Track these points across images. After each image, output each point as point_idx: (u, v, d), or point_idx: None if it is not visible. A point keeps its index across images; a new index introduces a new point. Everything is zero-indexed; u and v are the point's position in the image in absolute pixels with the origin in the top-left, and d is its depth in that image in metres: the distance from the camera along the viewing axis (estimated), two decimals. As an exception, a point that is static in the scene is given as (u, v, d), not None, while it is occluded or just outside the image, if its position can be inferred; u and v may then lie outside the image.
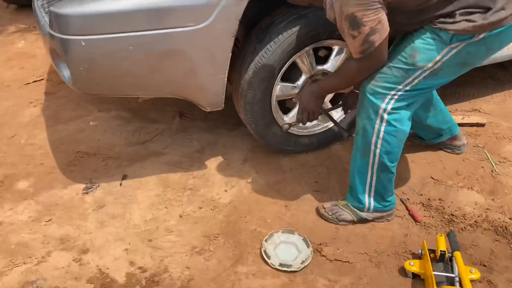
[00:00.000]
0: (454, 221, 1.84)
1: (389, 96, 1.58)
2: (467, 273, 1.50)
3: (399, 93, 1.57)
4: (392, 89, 1.56)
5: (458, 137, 2.21)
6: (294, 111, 2.13)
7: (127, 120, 2.60)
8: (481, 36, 1.43)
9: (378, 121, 1.62)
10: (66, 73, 1.73)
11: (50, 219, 1.91)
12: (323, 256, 1.71)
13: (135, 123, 2.57)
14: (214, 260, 1.70)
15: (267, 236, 1.77)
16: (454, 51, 1.47)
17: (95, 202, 2.00)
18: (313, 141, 2.25)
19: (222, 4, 1.62)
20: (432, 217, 1.88)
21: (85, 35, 1.57)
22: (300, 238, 1.77)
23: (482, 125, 2.41)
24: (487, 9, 1.40)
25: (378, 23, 1.42)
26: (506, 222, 1.83)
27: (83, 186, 2.09)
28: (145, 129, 2.52)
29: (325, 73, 2.07)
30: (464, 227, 1.81)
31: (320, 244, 1.76)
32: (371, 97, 1.60)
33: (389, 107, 1.59)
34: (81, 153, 2.33)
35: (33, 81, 3.05)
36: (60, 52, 1.65)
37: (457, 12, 1.41)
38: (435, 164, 2.17)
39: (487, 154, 2.21)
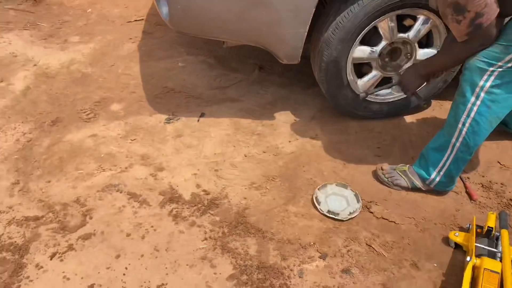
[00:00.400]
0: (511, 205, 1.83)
1: (488, 73, 1.55)
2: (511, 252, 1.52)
3: (499, 70, 1.53)
4: (492, 65, 1.53)
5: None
6: (369, 76, 2.18)
7: (211, 66, 2.81)
8: None
9: (473, 99, 1.59)
10: (164, 10, 1.94)
11: (135, 139, 2.18)
12: (371, 213, 1.80)
13: (218, 70, 2.77)
14: (269, 196, 1.87)
15: (320, 185, 1.89)
16: None
17: (175, 131, 2.24)
18: (384, 109, 2.29)
19: (315, -41, 1.71)
20: (490, 198, 1.87)
21: (187, -24, 1.75)
22: (352, 193, 1.87)
23: None
24: None
25: (485, 6, 1.42)
26: None
27: (166, 116, 2.34)
28: (226, 76, 2.71)
29: (405, 41, 2.08)
30: (521, 213, 1.80)
31: (371, 202, 1.85)
32: (469, 73, 1.58)
33: (488, 84, 1.56)
34: (168, 89, 2.58)
35: (135, 20, 3.36)
36: (163, -10, 1.85)
37: None
38: (506, 151, 2.12)
39: None
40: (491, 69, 1.53)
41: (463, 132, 1.65)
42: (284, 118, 2.36)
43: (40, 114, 2.35)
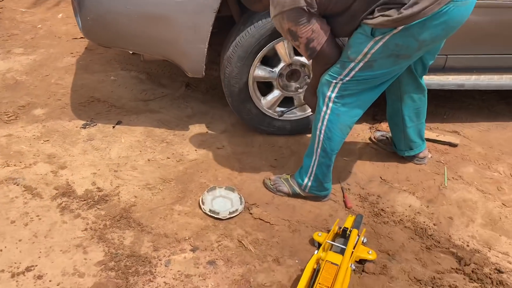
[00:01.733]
0: (381, 215, 1.99)
1: (333, 84, 1.76)
2: (360, 250, 1.67)
3: (341, 82, 1.74)
4: (334, 78, 1.75)
5: (423, 150, 2.33)
6: (271, 94, 2.37)
7: (142, 81, 2.98)
8: (400, 28, 1.56)
9: (324, 108, 1.81)
10: (78, 21, 2.12)
11: (48, 140, 2.31)
12: (250, 214, 1.94)
13: (147, 85, 2.95)
14: (159, 196, 2.00)
15: (209, 188, 2.03)
16: (380, 43, 1.62)
17: (87, 136, 2.38)
18: (287, 126, 2.47)
19: (207, -17, 1.92)
20: (363, 207, 2.03)
21: (93, -9, 1.94)
22: (237, 196, 2.01)
23: (455, 145, 2.49)
24: (402, 4, 1.53)
25: (312, 33, 1.64)
26: (428, 226, 1.94)
27: (83, 122, 2.48)
28: (153, 90, 2.89)
29: (303, 64, 2.30)
30: (387, 221, 1.96)
31: (253, 204, 1.99)
32: (320, 85, 1.81)
33: (333, 95, 1.77)
34: (93, 98, 2.73)
35: (80, 37, 3.54)
36: (75, 2, 2.04)
37: (376, 8, 1.57)
38: (390, 168, 2.31)
39: (445, 169, 2.30)
40: (334, 81, 1.75)
41: (321, 139, 1.84)
42: (197, 130, 2.52)
43: (-38, 114, 2.46)
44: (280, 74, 2.31)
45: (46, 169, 2.09)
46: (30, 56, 3.22)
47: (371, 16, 1.59)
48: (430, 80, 2.35)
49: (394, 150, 2.36)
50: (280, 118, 2.38)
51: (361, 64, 1.69)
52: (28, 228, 1.75)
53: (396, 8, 1.53)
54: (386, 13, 1.54)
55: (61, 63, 3.15)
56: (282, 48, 2.21)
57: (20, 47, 3.36)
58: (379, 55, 1.65)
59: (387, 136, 2.43)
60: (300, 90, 2.37)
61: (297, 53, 2.26)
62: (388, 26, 1.57)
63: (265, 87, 2.44)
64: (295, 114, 2.45)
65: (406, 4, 1.52)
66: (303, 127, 2.49)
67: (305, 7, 1.58)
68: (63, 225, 1.78)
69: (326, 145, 1.85)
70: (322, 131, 1.82)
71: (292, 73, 2.34)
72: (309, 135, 2.49)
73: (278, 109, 2.38)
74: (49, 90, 2.78)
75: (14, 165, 2.10)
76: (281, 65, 2.28)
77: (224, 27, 2.36)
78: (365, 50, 1.65)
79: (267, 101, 2.39)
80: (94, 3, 1.96)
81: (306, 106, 2.38)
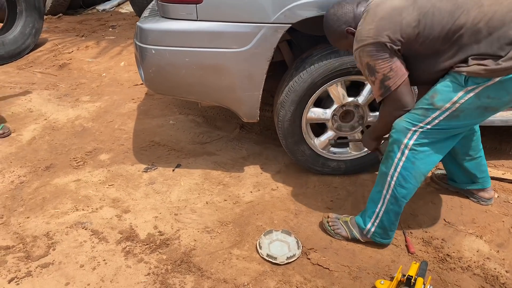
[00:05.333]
0: (447, 260, 1.90)
1: (411, 132, 1.70)
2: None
3: (421, 130, 1.68)
4: (414, 125, 1.69)
5: (487, 189, 2.22)
6: (325, 135, 2.38)
7: (198, 124, 3.10)
8: (497, 79, 1.51)
9: (399, 155, 1.74)
10: (141, 74, 2.26)
11: (112, 184, 2.44)
12: (309, 259, 1.92)
13: (203, 128, 3.06)
14: (218, 240, 2.03)
15: (266, 231, 2.04)
16: (472, 94, 1.57)
17: (149, 179, 2.48)
18: (341, 166, 2.46)
19: (261, 33, 2.00)
20: (427, 252, 1.95)
21: (155, 45, 2.08)
22: (294, 240, 2.00)
23: (524, 183, 2.35)
24: (498, 57, 1.49)
25: (390, 70, 1.62)
26: (500, 273, 1.82)
27: (145, 166, 2.60)
28: (209, 133, 2.99)
29: (357, 105, 2.29)
30: (454, 268, 1.86)
31: (311, 249, 1.97)
32: (396, 132, 1.75)
33: (411, 142, 1.71)
34: (154, 142, 2.87)
35: (141, 84, 3.77)
36: (138, 56, 2.19)
37: (470, 57, 1.53)
38: (453, 209, 2.21)
39: (515, 210, 2.17)
40: (413, 129, 1.69)
41: (392, 185, 1.79)
42: (252, 171, 2.57)
43: (38, 160, 2.67)
44: (333, 115, 2.32)
45: (111, 213, 2.20)
46: (96, 103, 3.46)
47: (464, 64, 1.55)
48: (493, 116, 2.26)
49: (456, 186, 2.26)
50: (333, 153, 2.38)
51: (447, 113, 1.63)
52: (95, 272, 1.84)
53: (493, 59, 1.49)
54: (482, 62, 1.51)
55: (123, 109, 3.35)
56: (335, 90, 2.23)
57: (87, 95, 3.63)
58: (468, 105, 1.60)
59: (445, 173, 2.34)
60: (354, 130, 2.36)
61: (350, 95, 2.26)
62: (485, 76, 1.52)
63: (319, 128, 2.46)
64: (351, 153, 2.43)
65: (503, 56, 1.48)
66: (359, 167, 2.46)
67: (387, 43, 1.59)
68: (128, 270, 1.85)
69: (398, 192, 1.79)
70: (394, 178, 1.77)
71: (346, 114, 2.34)
72: (365, 175, 2.48)
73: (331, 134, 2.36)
74: (113, 136, 2.96)
75: (82, 210, 2.23)
76: (334, 106, 2.29)
77: (276, 70, 2.43)
78: (455, 99, 1.60)
79: (321, 142, 2.39)
80: (156, 56, 2.09)
81: (361, 145, 2.37)
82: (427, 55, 1.63)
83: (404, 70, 1.65)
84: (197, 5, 1.97)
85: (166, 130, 3.03)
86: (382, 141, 2.02)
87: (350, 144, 2.40)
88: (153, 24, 2.07)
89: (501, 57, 1.49)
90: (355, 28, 1.71)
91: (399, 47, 1.61)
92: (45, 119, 3.21)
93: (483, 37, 1.51)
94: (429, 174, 2.43)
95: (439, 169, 2.47)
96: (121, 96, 3.57)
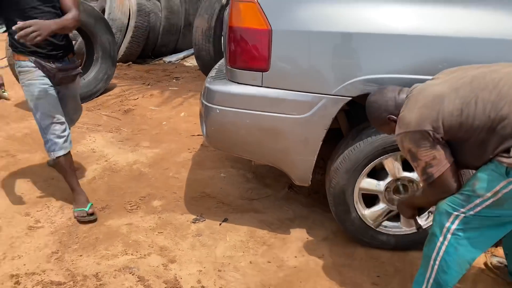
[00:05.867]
0: None
1: (453, 216, 1.66)
2: None
3: (463, 215, 1.64)
4: (456, 210, 1.65)
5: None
6: (376, 207, 2.35)
7: (248, 180, 3.17)
8: None
9: (441, 239, 1.70)
10: (203, 129, 2.39)
11: (162, 232, 2.51)
12: (350, 337, 1.85)
13: (252, 184, 3.12)
14: (259, 303, 2.02)
15: (308, 301, 2.00)
16: None
17: (196, 231, 2.54)
18: (391, 241, 2.40)
19: (321, 103, 2.08)
20: None
21: (220, 105, 2.20)
22: (337, 314, 1.94)
23: None
24: None
25: (433, 158, 1.62)
26: None
27: (194, 216, 2.67)
28: (258, 190, 3.04)
29: (411, 180, 2.27)
30: None
31: (353, 326, 1.90)
32: (438, 214, 1.72)
33: (453, 227, 1.66)
34: (204, 193, 2.96)
35: (197, 135, 3.94)
36: (203, 113, 2.33)
37: None
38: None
39: None
40: (455, 213, 1.64)
41: (434, 269, 1.72)
42: (297, 235, 2.56)
43: (95, 200, 2.81)
44: (387, 188, 2.30)
45: (158, 261, 2.25)
46: (154, 149, 3.63)
47: (506, 155, 1.52)
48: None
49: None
50: (384, 226, 2.33)
51: (489, 201, 1.58)
52: (138, 320, 1.87)
53: None
54: None
55: (179, 157, 3.49)
56: (390, 163, 2.23)
57: (147, 140, 3.83)
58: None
59: (505, 264, 2.21)
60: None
61: (405, 169, 2.25)
62: None
63: (371, 198, 2.44)
64: (401, 228, 2.37)
65: None
66: (409, 244, 2.39)
67: (430, 132, 1.60)
68: (168, 322, 1.87)
69: (440, 278, 1.72)
70: (437, 262, 1.71)
71: (400, 187, 2.32)
72: (416, 252, 2.39)
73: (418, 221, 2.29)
74: (167, 183, 3.08)
75: (132, 254, 2.30)
76: (389, 179, 2.28)
77: (330, 137, 2.47)
78: (497, 188, 1.55)
79: (372, 213, 2.36)
80: (220, 116, 2.21)
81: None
82: (470, 143, 1.60)
83: (448, 157, 1.63)
84: (263, 73, 2.09)
85: (216, 183, 3.12)
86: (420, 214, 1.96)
87: (402, 219, 2.35)
88: (220, 86, 2.21)
89: None
90: (397, 116, 1.73)
91: (442, 135, 1.60)
92: (106, 161, 3.40)
93: None
94: (485, 260, 2.32)
95: (494, 255, 2.34)
96: (178, 145, 3.73)
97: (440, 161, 1.62)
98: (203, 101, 2.31)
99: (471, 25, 1.94)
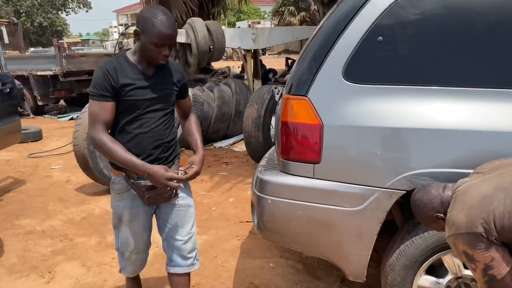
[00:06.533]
0: None
1: None
2: None
3: None
4: None
5: None
6: (437, 306, 2.19)
7: (298, 271, 3.08)
8: None
9: None
10: (254, 220, 2.41)
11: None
12: None
13: (302, 276, 3.02)
14: None
15: None
16: None
17: (245, 326, 2.45)
18: None
19: (374, 196, 2.06)
20: None
21: (272, 196, 2.24)
22: None
23: None
24: None
25: (492, 260, 1.55)
26: None
27: (242, 310, 2.60)
28: (308, 283, 2.93)
29: (474, 279, 2.12)
30: None
31: None
32: None
33: None
34: (253, 285, 2.89)
35: (246, 221, 3.95)
36: (255, 203, 2.36)
37: None
38: None
39: None
40: None
41: None
42: (352, 335, 2.40)
43: None
44: (448, 287, 2.15)
45: None
46: (203, 236, 3.66)
47: None
48: None
49: None
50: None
51: None
52: None
53: None
54: None
55: (228, 245, 3.49)
56: (450, 259, 2.11)
57: (197, 226, 3.87)
58: None
59: None
60: (472, 308, 2.14)
61: (467, 267, 2.12)
62: None
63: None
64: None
65: None
66: None
67: (483, 233, 1.55)
68: None
69: None
70: None
71: (461, 286, 2.17)
72: None
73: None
74: (216, 272, 3.05)
75: None
76: (449, 277, 2.14)
77: (384, 229, 2.40)
78: None
79: (432, 313, 2.19)
80: (272, 206, 2.23)
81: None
82: None
83: (508, 258, 1.56)
84: (315, 165, 2.13)
85: (265, 274, 3.05)
86: None
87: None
88: (272, 177, 2.27)
89: None
90: (444, 214, 1.69)
91: (496, 236, 1.54)
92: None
93: None
94: None
95: None
96: (226, 231, 3.75)
97: (499, 263, 1.55)
98: (255, 190, 2.35)
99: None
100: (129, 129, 2.05)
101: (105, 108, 1.97)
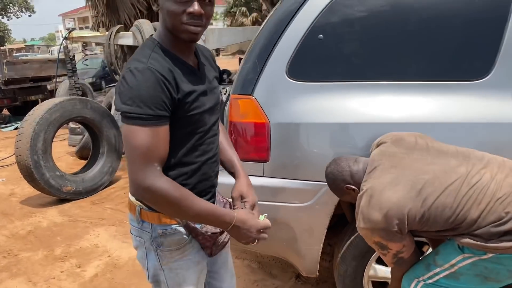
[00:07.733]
0: None
1: (415, 282, 1.71)
2: None
3: (423, 282, 1.69)
4: (417, 276, 1.71)
5: None
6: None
7: (253, 270, 3.08)
8: (491, 255, 1.51)
9: None
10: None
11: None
12: None
13: (258, 275, 3.02)
14: None
15: None
16: (469, 261, 1.57)
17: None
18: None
19: (323, 191, 2.09)
20: None
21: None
22: None
23: None
24: (489, 240, 1.50)
25: (403, 247, 1.67)
26: None
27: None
28: (264, 281, 2.94)
29: (420, 265, 2.21)
30: None
31: None
32: (404, 279, 1.77)
33: None
34: (209, 288, 2.85)
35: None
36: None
37: (465, 232, 1.55)
38: None
39: None
40: (416, 279, 1.70)
41: None
42: (308, 329, 2.43)
43: (97, 299, 2.72)
44: (397, 275, 2.23)
45: None
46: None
47: (460, 237, 1.58)
48: None
49: None
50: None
51: (446, 272, 1.64)
52: None
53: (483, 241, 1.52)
54: (475, 238, 1.53)
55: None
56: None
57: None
58: (467, 271, 1.60)
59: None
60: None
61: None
62: (476, 248, 1.54)
63: (382, 286, 2.35)
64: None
65: (493, 239, 1.49)
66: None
67: (397, 231, 1.61)
68: None
69: None
70: None
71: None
72: None
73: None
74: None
75: None
76: (397, 265, 2.22)
77: (335, 222, 2.45)
78: (453, 261, 1.62)
79: (384, 302, 2.26)
80: (222, 207, 2.21)
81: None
82: (430, 235, 1.68)
83: (413, 240, 1.70)
84: (264, 163, 2.14)
85: (222, 275, 3.02)
86: None
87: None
88: (222, 178, 2.25)
89: (491, 240, 1.50)
90: (354, 185, 1.77)
91: (407, 230, 1.63)
92: (109, 256, 3.34)
93: (479, 228, 1.53)
94: None
95: None
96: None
97: (409, 247, 1.68)
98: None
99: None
100: (189, 159, 1.38)
101: (163, 137, 1.26)
